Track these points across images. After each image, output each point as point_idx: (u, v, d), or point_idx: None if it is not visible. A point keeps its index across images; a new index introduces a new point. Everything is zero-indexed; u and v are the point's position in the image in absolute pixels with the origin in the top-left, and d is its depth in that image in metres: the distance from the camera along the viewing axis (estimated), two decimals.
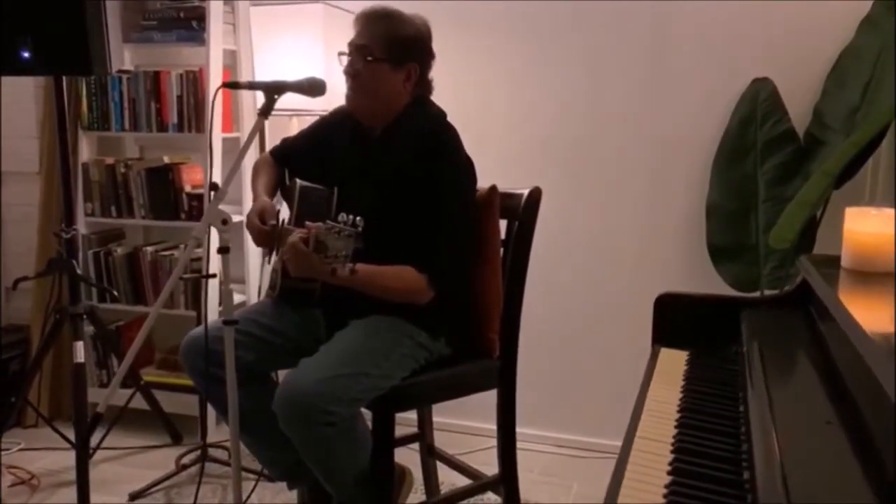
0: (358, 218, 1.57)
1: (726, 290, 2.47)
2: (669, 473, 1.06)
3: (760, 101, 2.54)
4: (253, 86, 1.91)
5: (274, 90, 1.79)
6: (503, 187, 2.08)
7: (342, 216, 1.58)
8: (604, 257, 2.85)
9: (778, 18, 2.56)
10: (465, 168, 1.96)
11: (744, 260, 2.53)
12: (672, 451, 1.13)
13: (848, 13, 2.44)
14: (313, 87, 1.87)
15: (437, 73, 2.05)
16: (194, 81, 2.91)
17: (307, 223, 1.68)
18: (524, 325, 2.10)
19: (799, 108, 2.51)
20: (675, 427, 1.22)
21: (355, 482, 1.80)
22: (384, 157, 1.94)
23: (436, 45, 2.03)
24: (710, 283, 2.54)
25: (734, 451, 1.12)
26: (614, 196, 2.82)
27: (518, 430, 2.12)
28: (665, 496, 1.00)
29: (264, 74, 2.73)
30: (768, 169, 2.51)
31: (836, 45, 2.46)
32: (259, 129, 1.82)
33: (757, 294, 2.44)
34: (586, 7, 2.75)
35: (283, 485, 2.15)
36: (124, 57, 3.10)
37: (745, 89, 2.59)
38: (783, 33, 2.57)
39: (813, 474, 0.87)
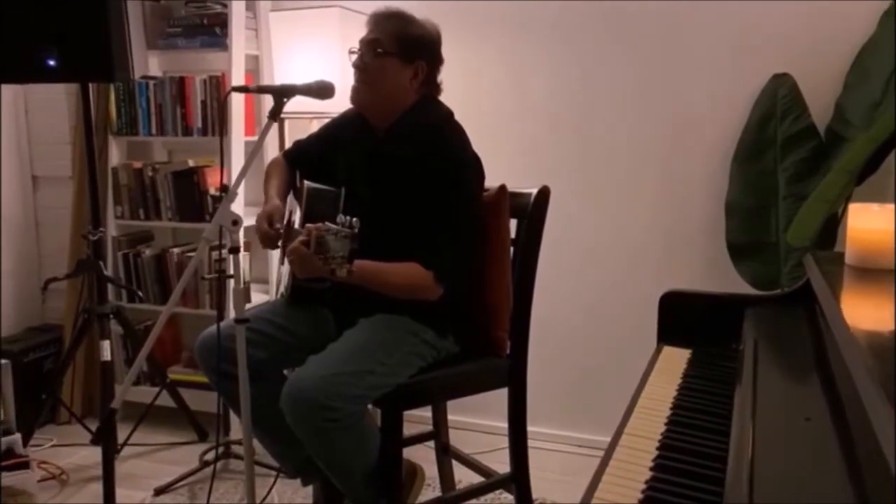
0: (354, 219, 1.60)
1: (746, 289, 2.44)
2: (651, 469, 1.06)
3: (780, 97, 2.51)
4: (262, 89, 1.94)
5: (282, 93, 1.83)
6: (517, 186, 2.08)
7: (340, 217, 1.61)
8: (620, 255, 2.83)
9: (798, 13, 2.52)
10: (471, 164, 1.97)
11: (763, 258, 2.50)
12: (658, 448, 1.13)
13: (868, 7, 2.40)
14: (322, 90, 1.90)
15: (444, 72, 2.06)
16: (217, 86, 2.97)
17: (307, 225, 1.71)
18: (538, 325, 2.10)
19: (820, 103, 2.47)
20: (665, 424, 1.22)
21: (363, 479, 1.82)
22: (389, 155, 1.96)
23: (444, 44, 2.04)
24: (729, 281, 2.51)
25: (723, 448, 1.12)
26: (631, 194, 2.79)
27: (536, 429, 2.12)
28: (643, 491, 1.00)
29: (283, 78, 2.78)
30: (788, 165, 2.47)
31: (856, 39, 2.41)
32: (268, 132, 1.86)
33: (778, 291, 2.40)
34: (603, 4, 2.74)
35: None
36: (151, 63, 3.18)
37: (765, 85, 2.55)
38: (803, 28, 2.52)
39: (780, 469, 0.86)
